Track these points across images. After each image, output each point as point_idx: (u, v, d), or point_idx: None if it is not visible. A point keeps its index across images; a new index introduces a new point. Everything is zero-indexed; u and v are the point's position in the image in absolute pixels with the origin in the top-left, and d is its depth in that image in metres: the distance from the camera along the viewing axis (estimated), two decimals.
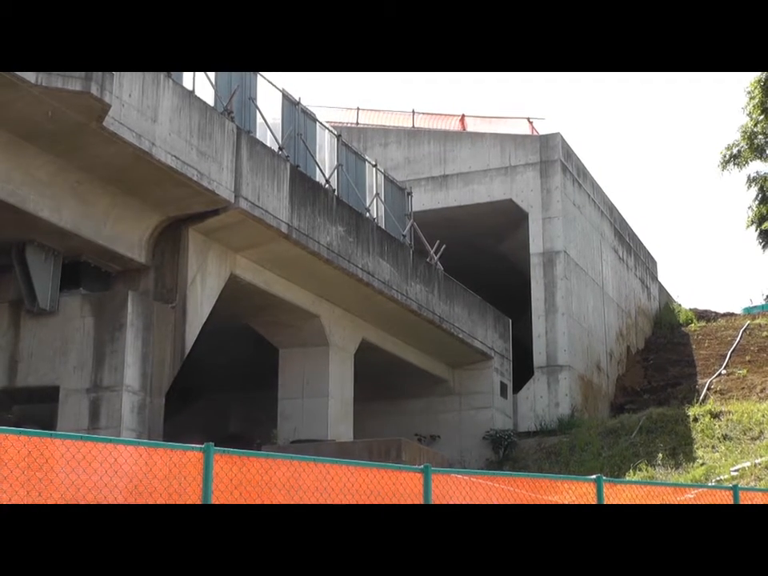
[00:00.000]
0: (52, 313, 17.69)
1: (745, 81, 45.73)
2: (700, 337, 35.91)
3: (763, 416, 25.24)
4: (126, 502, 8.33)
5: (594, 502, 11.22)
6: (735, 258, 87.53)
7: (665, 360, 35.28)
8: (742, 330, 34.94)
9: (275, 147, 20.49)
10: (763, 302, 42.16)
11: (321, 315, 23.23)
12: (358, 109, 35.27)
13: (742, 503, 12.25)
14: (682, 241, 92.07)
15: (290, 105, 21.67)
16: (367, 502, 9.53)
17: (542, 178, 31.58)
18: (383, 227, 24.56)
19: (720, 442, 24.46)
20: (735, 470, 21.63)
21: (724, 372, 31.85)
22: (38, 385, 17.67)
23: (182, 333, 18.40)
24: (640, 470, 23.05)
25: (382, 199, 25.40)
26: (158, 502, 8.40)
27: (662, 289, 43.23)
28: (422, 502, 10.02)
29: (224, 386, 28.73)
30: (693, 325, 38.10)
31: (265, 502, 8.95)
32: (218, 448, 8.86)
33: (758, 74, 37.11)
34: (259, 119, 20.41)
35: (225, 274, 19.93)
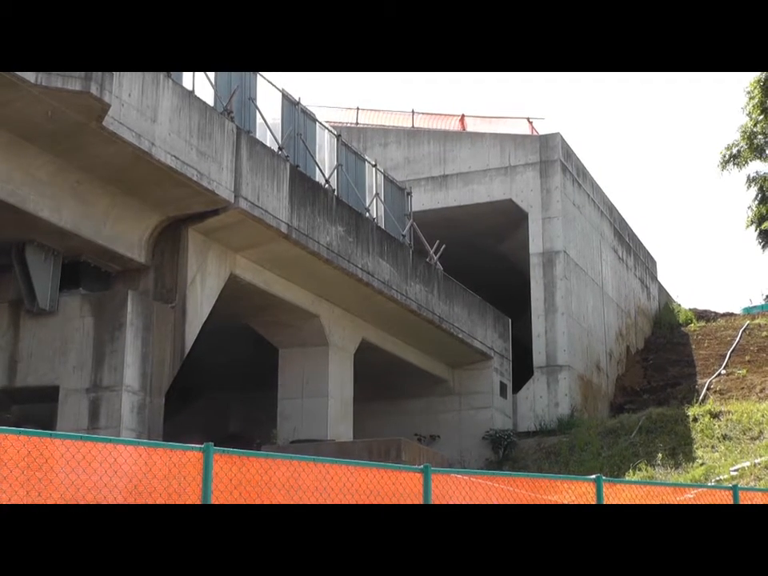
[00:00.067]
0: (52, 313, 17.69)
1: (745, 81, 45.74)
2: (699, 337, 35.91)
3: (763, 416, 25.25)
4: (125, 502, 8.33)
5: (593, 501, 11.22)
6: (735, 257, 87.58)
7: (664, 360, 35.28)
8: (741, 330, 34.94)
9: (275, 147, 20.49)
10: (763, 302, 42.16)
11: (320, 315, 23.23)
12: (358, 109, 35.27)
13: (741, 503, 12.25)
14: (682, 241, 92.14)
15: (290, 105, 21.67)
16: (367, 502, 9.53)
17: (542, 178, 31.59)
18: (383, 227, 24.56)
19: (720, 441, 24.46)
20: (735, 470, 21.63)
21: (723, 372, 31.85)
22: (38, 385, 17.67)
23: (182, 333, 18.40)
24: (639, 469, 23.05)
25: (382, 199, 25.40)
26: (157, 502, 8.40)
27: (661, 289, 43.24)
28: (421, 502, 10.02)
29: (224, 385, 28.73)
30: (692, 325, 38.10)
31: (264, 502, 8.95)
32: (218, 448, 8.86)
33: (758, 74, 37.13)
34: (259, 119, 20.41)
35: (224, 273, 19.94)
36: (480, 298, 28.68)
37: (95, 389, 17.23)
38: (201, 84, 18.48)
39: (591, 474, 13.34)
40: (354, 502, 9.47)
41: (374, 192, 25.05)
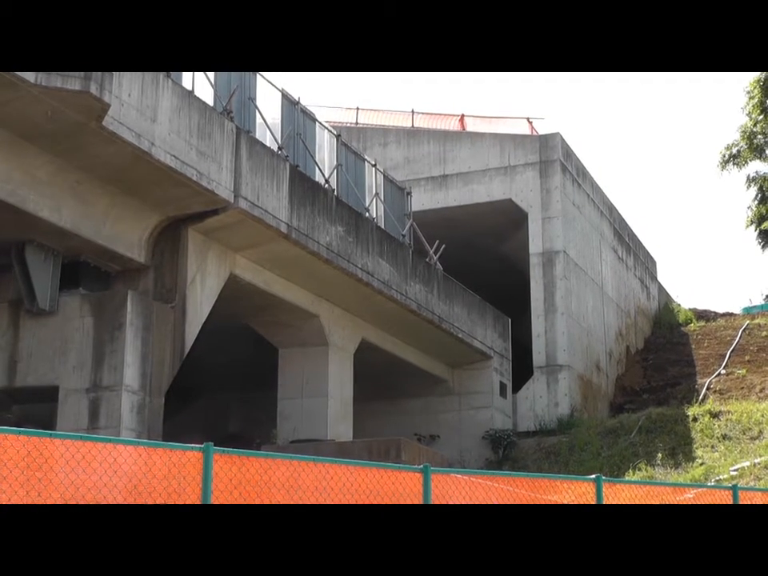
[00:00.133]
0: (51, 313, 17.69)
1: (744, 81, 45.74)
2: (699, 337, 35.91)
3: (762, 416, 25.25)
4: (125, 502, 8.33)
5: (593, 501, 11.22)
6: (735, 257, 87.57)
7: (664, 360, 35.28)
8: (741, 330, 34.94)
9: (275, 147, 20.49)
10: (762, 302, 42.16)
11: (320, 315, 23.23)
12: (358, 109, 35.26)
13: (741, 503, 12.25)
14: (682, 241, 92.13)
15: (290, 105, 21.67)
16: (367, 502, 9.53)
17: (542, 178, 31.59)
18: (383, 227, 24.56)
19: (719, 441, 24.46)
20: (734, 470, 21.64)
21: (723, 372, 31.86)
22: (38, 385, 17.67)
23: (182, 333, 18.40)
24: (639, 469, 23.05)
25: (382, 199, 25.40)
26: (157, 502, 8.40)
27: (661, 289, 43.23)
28: (421, 502, 10.02)
29: (224, 385, 28.72)
30: (692, 325, 38.10)
31: (264, 502, 8.95)
32: (218, 448, 8.86)
33: (758, 74, 37.15)
34: (259, 119, 20.41)
35: (224, 273, 19.94)
36: (480, 297, 28.68)
37: (95, 389, 17.23)
38: (200, 84, 18.48)
39: (591, 474, 13.34)
40: (354, 502, 9.47)
41: (374, 192, 25.05)
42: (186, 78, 18.12)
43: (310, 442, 21.44)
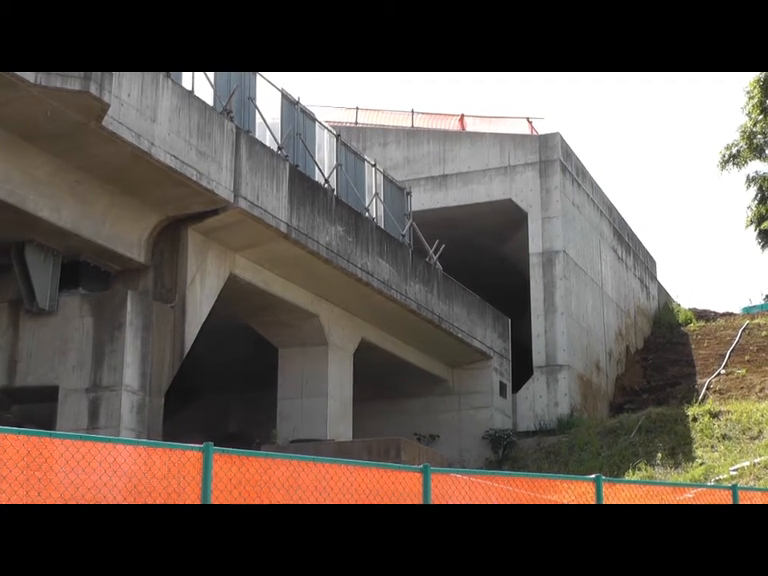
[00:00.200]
0: (51, 312, 17.69)
1: (744, 81, 45.73)
2: (699, 336, 35.92)
3: (762, 415, 25.25)
4: (125, 502, 8.33)
5: (593, 501, 11.22)
6: (734, 257, 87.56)
7: (664, 360, 35.28)
8: (741, 330, 34.94)
9: (274, 147, 20.49)
10: (762, 302, 42.17)
11: (320, 315, 23.23)
12: (357, 108, 35.26)
13: (741, 503, 12.24)
14: (682, 241, 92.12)
15: (289, 104, 21.67)
16: (366, 502, 9.53)
17: (542, 178, 31.58)
18: (382, 227, 24.56)
19: (719, 441, 24.46)
20: (734, 470, 21.64)
21: (723, 372, 31.86)
22: (38, 384, 17.67)
23: (182, 332, 18.40)
24: (639, 469, 23.05)
25: (382, 199, 25.40)
26: (157, 502, 8.40)
27: (661, 288, 43.24)
28: (421, 502, 10.02)
29: (223, 385, 28.72)
30: (692, 324, 38.10)
31: (264, 502, 8.95)
32: (218, 447, 8.86)
33: (758, 74, 37.16)
34: (258, 119, 20.41)
35: (224, 273, 19.94)
36: (479, 297, 28.68)
37: (95, 389, 17.23)
38: (200, 84, 18.48)
39: (591, 474, 13.34)
40: (354, 502, 9.47)
41: (374, 192, 25.05)
42: (186, 78, 18.12)
43: (309, 441, 21.44)
